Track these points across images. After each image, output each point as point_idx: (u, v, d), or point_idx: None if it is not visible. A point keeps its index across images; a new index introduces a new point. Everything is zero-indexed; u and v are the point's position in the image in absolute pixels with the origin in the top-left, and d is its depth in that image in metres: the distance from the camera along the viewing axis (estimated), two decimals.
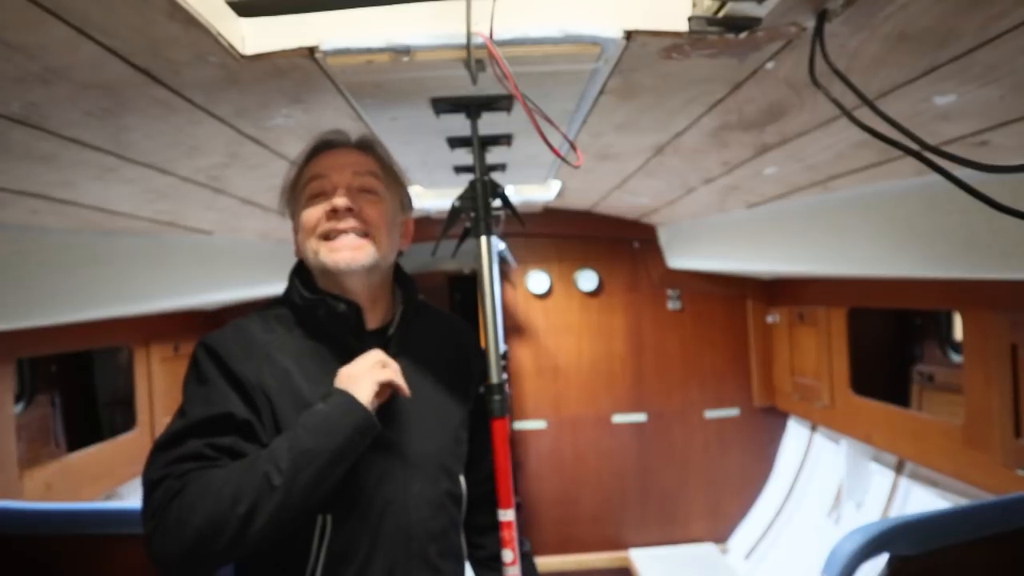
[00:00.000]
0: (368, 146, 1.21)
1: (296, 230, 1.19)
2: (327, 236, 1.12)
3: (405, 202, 1.25)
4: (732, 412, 3.95)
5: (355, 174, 1.15)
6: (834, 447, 3.39)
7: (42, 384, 2.74)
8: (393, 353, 1.15)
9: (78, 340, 2.49)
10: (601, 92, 1.30)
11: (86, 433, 2.87)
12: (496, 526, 1.29)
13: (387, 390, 1.08)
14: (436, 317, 1.33)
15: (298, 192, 1.18)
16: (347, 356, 1.10)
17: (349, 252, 1.11)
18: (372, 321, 1.18)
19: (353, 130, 1.27)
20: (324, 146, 1.19)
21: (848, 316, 3.04)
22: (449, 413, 1.24)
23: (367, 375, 1.05)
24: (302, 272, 1.19)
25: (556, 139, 1.42)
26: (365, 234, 1.13)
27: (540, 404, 3.93)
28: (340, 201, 1.11)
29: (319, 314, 1.13)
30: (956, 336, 2.91)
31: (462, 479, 1.24)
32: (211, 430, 1.03)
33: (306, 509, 1.00)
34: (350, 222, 1.12)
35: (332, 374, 1.08)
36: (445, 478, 1.20)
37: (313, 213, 1.13)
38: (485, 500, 1.30)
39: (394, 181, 1.22)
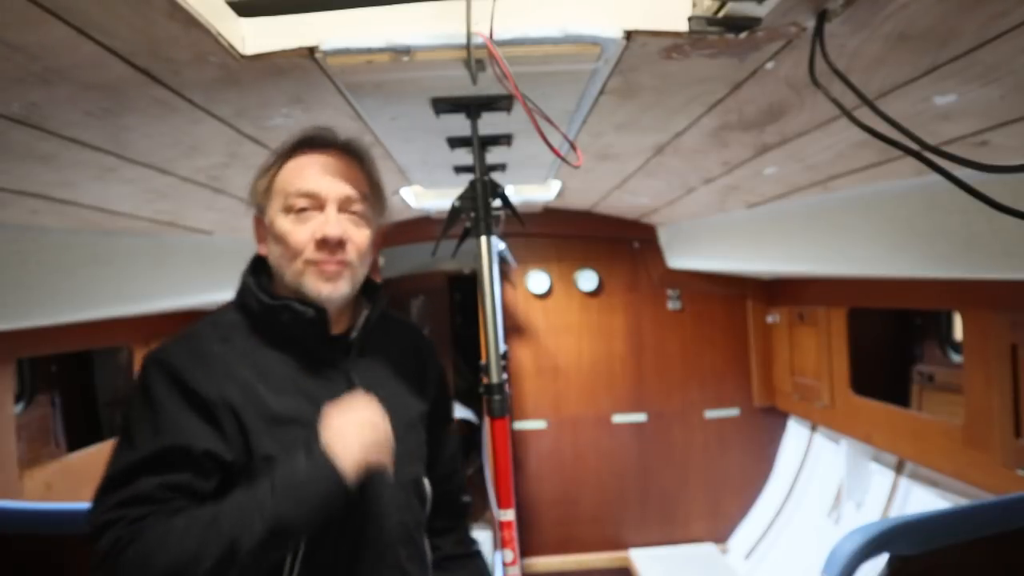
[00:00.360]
0: (358, 154, 1.14)
1: (266, 230, 1.10)
2: (313, 262, 1.06)
3: (382, 211, 1.18)
4: (732, 412, 3.95)
5: (348, 196, 1.08)
6: (834, 447, 3.39)
7: (42, 384, 2.74)
8: (355, 357, 1.13)
9: (78, 340, 2.49)
10: (601, 92, 1.30)
11: (86, 433, 2.87)
12: (452, 528, 1.29)
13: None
14: (394, 324, 1.28)
15: (277, 194, 1.09)
16: (311, 363, 1.07)
17: (332, 285, 1.06)
18: (335, 326, 1.12)
19: (353, 130, 1.26)
20: (310, 144, 1.11)
21: (848, 316, 3.04)
22: (411, 417, 1.20)
23: (356, 443, 0.97)
24: (258, 273, 1.12)
25: (556, 139, 1.42)
26: (348, 263, 1.08)
27: (540, 404, 3.93)
28: (334, 233, 1.05)
29: (282, 319, 1.06)
30: (956, 336, 2.91)
31: (426, 481, 1.21)
32: (164, 466, 0.94)
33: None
34: (339, 255, 1.06)
35: (298, 382, 1.05)
36: (412, 481, 1.17)
37: (301, 235, 1.05)
38: (442, 502, 1.27)
39: (379, 195, 1.16)
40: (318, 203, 1.07)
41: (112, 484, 0.94)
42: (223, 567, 0.89)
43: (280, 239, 1.07)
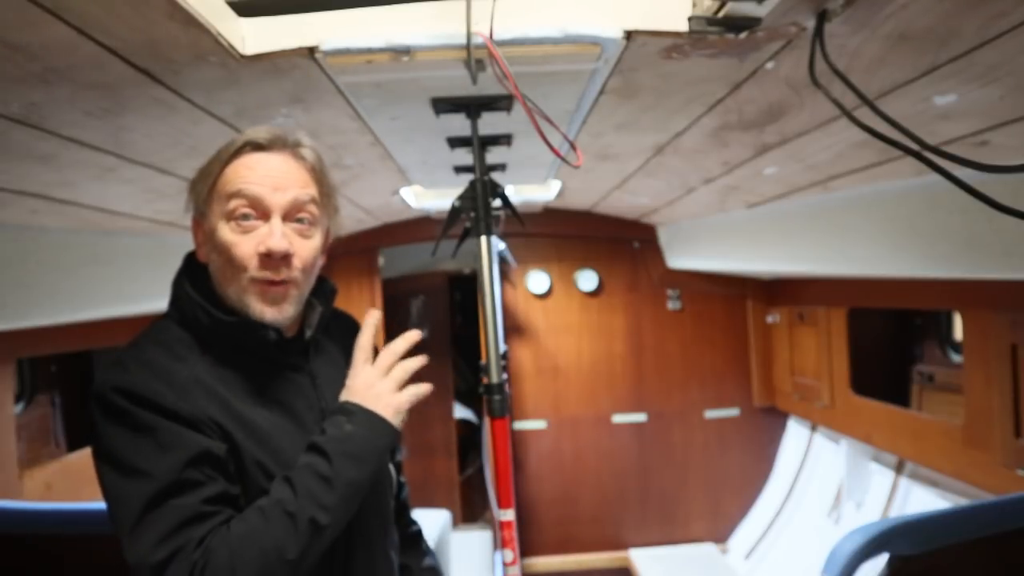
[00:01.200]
0: (310, 159, 1.03)
1: (205, 236, 1.02)
2: (257, 280, 0.97)
3: (333, 214, 1.09)
4: (732, 412, 3.95)
5: (295, 199, 0.99)
6: (834, 447, 3.39)
7: (42, 384, 2.74)
8: (312, 355, 1.09)
9: (78, 340, 2.49)
10: (601, 92, 1.30)
11: (86, 433, 2.87)
12: (405, 539, 1.27)
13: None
14: (340, 318, 1.23)
15: (218, 198, 0.99)
16: (273, 370, 1.02)
17: (277, 309, 0.99)
18: (289, 330, 1.06)
19: (353, 130, 1.26)
20: (256, 145, 1.00)
21: (848, 316, 3.04)
22: None
23: (389, 394, 1.00)
24: (195, 280, 1.02)
25: (556, 139, 1.42)
26: (293, 281, 1.00)
27: (540, 404, 3.93)
28: (279, 247, 0.95)
29: (236, 335, 0.99)
30: (956, 336, 2.91)
31: (392, 468, 1.19)
32: (192, 482, 0.87)
33: None
34: (283, 272, 0.98)
35: (267, 392, 1.00)
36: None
37: (244, 248, 0.96)
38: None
39: (329, 199, 1.06)
40: (262, 211, 0.97)
41: (144, 520, 0.85)
42: (309, 548, 0.88)
43: (222, 250, 0.97)
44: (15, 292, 1.70)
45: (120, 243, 2.06)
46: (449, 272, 4.72)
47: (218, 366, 0.98)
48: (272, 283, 0.98)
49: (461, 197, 1.34)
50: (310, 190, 1.01)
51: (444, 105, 1.32)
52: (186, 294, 1.01)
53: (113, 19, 0.81)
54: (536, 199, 2.98)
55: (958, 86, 1.10)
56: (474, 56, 1.05)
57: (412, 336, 1.06)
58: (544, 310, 3.95)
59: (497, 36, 1.01)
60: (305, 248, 1.00)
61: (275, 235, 0.96)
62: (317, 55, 1.04)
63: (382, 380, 1.01)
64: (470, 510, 4.46)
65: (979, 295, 2.15)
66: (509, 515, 1.29)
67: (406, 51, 1.06)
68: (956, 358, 2.88)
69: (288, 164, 1.00)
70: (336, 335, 1.18)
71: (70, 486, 2.36)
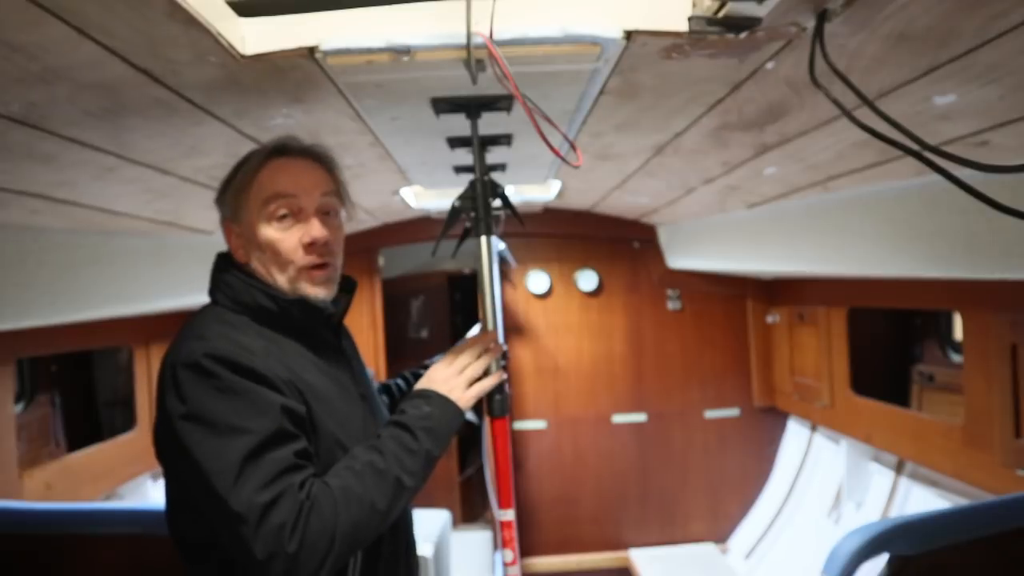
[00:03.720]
0: (327, 160, 1.21)
1: (242, 238, 1.16)
2: (305, 267, 1.14)
3: (347, 202, 1.25)
4: (732, 412, 3.95)
5: (323, 195, 1.16)
6: (834, 447, 3.39)
7: (42, 384, 2.74)
8: (343, 339, 1.26)
9: (78, 340, 2.49)
10: (601, 92, 1.30)
11: (86, 433, 2.87)
12: None
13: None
14: None
15: (251, 200, 1.14)
16: (319, 347, 1.17)
17: (325, 289, 1.16)
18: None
19: (353, 130, 1.27)
20: (283, 151, 1.17)
21: (848, 316, 3.04)
22: (380, 404, 1.34)
23: (460, 389, 1.18)
24: (237, 273, 1.16)
25: (556, 139, 1.42)
26: (333, 265, 1.17)
27: (540, 404, 3.93)
28: (321, 234, 1.13)
29: (294, 313, 1.13)
30: (956, 336, 2.91)
31: None
32: (286, 437, 0.99)
33: None
34: (326, 256, 1.15)
35: (317, 365, 1.14)
36: None
37: (289, 242, 1.13)
38: None
39: (346, 196, 1.24)
40: (298, 208, 1.14)
41: (244, 471, 0.94)
42: (395, 503, 1.03)
43: (268, 247, 1.13)
44: (15, 292, 1.70)
45: (120, 243, 2.06)
46: (449, 272, 4.73)
47: (276, 342, 1.11)
48: (318, 267, 1.14)
49: (461, 197, 1.34)
50: (331, 186, 1.19)
51: (444, 105, 1.32)
52: (242, 281, 1.14)
53: (113, 19, 0.81)
54: (536, 199, 2.98)
55: (958, 86, 1.10)
56: (474, 56, 1.05)
57: (472, 333, 1.27)
58: (544, 310, 3.95)
59: (497, 36, 1.01)
60: (335, 232, 1.18)
61: (316, 226, 1.13)
62: (317, 55, 1.04)
63: (456, 376, 1.19)
64: (470, 510, 4.45)
65: (979, 295, 2.15)
66: (509, 515, 1.29)
67: (406, 51, 1.06)
68: (956, 358, 2.88)
69: (310, 166, 1.17)
70: (344, 331, 1.34)
71: (70, 486, 2.37)
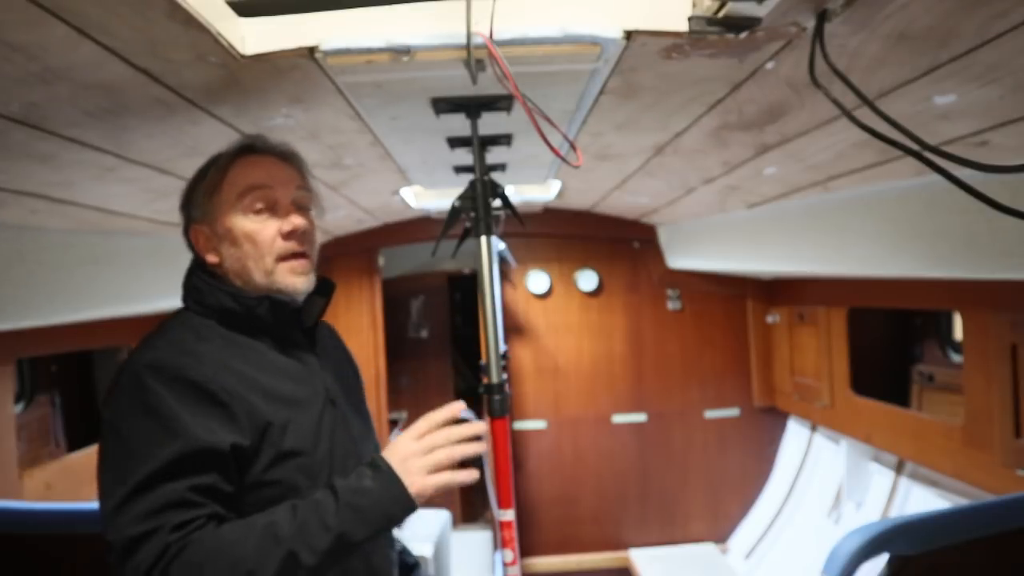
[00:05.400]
0: (296, 158, 1.18)
1: (213, 239, 1.12)
2: (283, 258, 1.10)
3: (316, 197, 1.23)
4: (732, 412, 3.95)
5: (297, 188, 1.14)
6: (834, 447, 3.39)
7: (42, 384, 2.74)
8: (322, 341, 1.21)
9: (78, 340, 2.49)
10: (601, 92, 1.30)
11: (86, 433, 2.87)
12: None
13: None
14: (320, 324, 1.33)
15: (223, 197, 1.11)
16: (286, 349, 1.12)
17: (304, 279, 1.12)
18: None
19: (353, 130, 1.27)
20: (250, 149, 1.14)
21: (848, 316, 3.04)
22: (359, 396, 1.28)
23: (419, 473, 0.98)
24: (204, 276, 1.13)
25: (556, 139, 1.42)
26: (309, 256, 1.14)
27: (540, 404, 3.93)
28: (300, 222, 1.11)
29: (260, 312, 1.09)
30: (956, 336, 2.91)
31: None
32: (189, 469, 0.91)
33: None
34: (304, 244, 1.12)
35: (280, 367, 1.09)
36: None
37: (265, 231, 1.09)
38: None
39: (316, 195, 1.21)
40: (273, 200, 1.11)
41: (132, 495, 0.89)
42: None
43: (246, 239, 1.10)
44: (15, 292, 1.70)
45: (120, 243, 2.06)
46: (449, 272, 4.73)
47: (240, 343, 1.08)
48: (297, 255, 1.11)
49: (461, 197, 1.34)
50: (302, 181, 1.17)
51: (444, 105, 1.32)
52: (207, 284, 1.12)
53: (113, 19, 0.81)
54: (536, 199, 2.98)
55: (958, 86, 1.10)
56: (474, 56, 1.05)
57: (456, 408, 1.06)
58: (544, 310, 3.95)
59: (497, 36, 1.01)
60: (310, 224, 1.16)
61: (292, 214, 1.11)
62: (317, 55, 1.04)
63: (421, 458, 0.99)
64: (470, 510, 4.46)
65: (979, 295, 2.15)
66: (509, 515, 1.29)
67: (406, 51, 1.06)
68: (956, 358, 2.88)
69: (279, 162, 1.15)
70: (324, 330, 1.29)
71: (70, 486, 2.37)
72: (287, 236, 1.10)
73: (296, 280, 1.11)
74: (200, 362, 1.00)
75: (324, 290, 1.21)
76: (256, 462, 1.00)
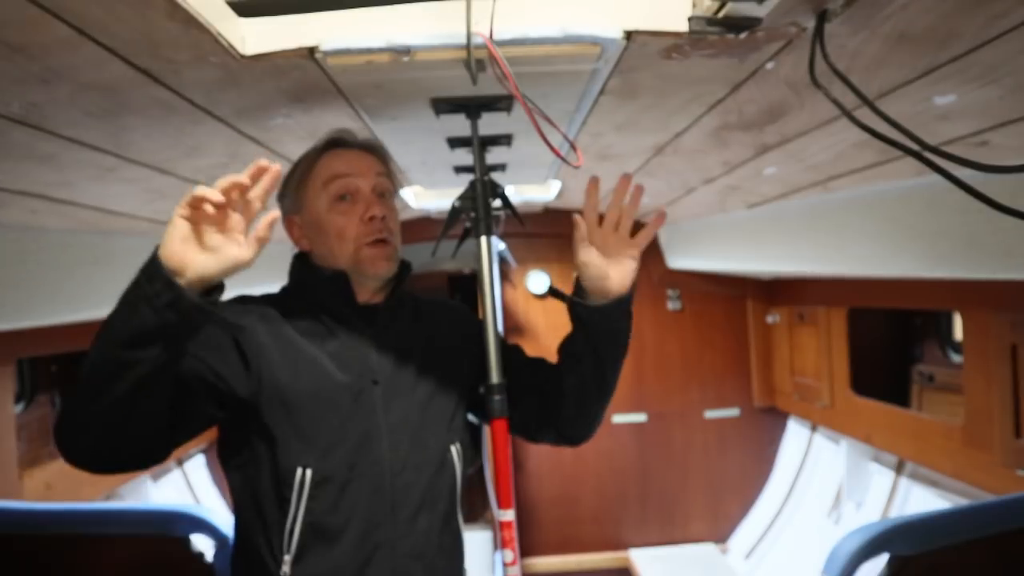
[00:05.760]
0: (379, 149, 1.29)
1: (304, 229, 1.25)
2: (365, 244, 1.20)
3: (398, 187, 1.34)
4: (732, 412, 3.95)
5: (377, 175, 1.23)
6: (834, 447, 3.39)
7: (42, 384, 2.73)
8: (382, 326, 1.24)
9: (78, 340, 2.49)
10: (601, 92, 1.30)
11: None
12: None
13: (200, 221, 0.96)
14: (432, 303, 1.41)
15: (311, 187, 1.23)
16: (345, 327, 1.21)
17: (387, 263, 1.22)
18: (373, 297, 1.27)
19: (353, 130, 1.28)
20: (337, 144, 1.25)
21: (848, 316, 3.04)
22: (438, 386, 1.28)
23: (169, 227, 0.95)
24: (297, 263, 1.28)
25: (556, 139, 1.42)
26: (391, 242, 1.22)
27: None
28: (379, 210, 1.20)
29: (321, 288, 1.22)
30: (956, 336, 2.91)
31: (454, 450, 1.27)
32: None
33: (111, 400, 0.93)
34: (384, 232, 1.21)
35: (323, 332, 1.20)
36: (435, 447, 1.24)
37: (348, 218, 1.20)
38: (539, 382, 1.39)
39: (398, 184, 1.32)
40: (355, 188, 1.21)
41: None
42: (88, 389, 0.94)
43: (332, 227, 1.20)
44: (15, 292, 1.70)
45: (120, 243, 2.06)
46: (449, 272, 4.72)
47: (297, 312, 1.21)
48: (379, 242, 1.20)
49: (461, 197, 1.34)
50: (382, 168, 1.26)
51: (444, 105, 1.32)
52: (295, 263, 1.27)
53: (113, 19, 0.81)
54: (536, 199, 2.98)
55: (958, 86, 1.10)
56: (474, 56, 1.05)
57: (224, 181, 0.95)
58: (544, 310, 3.95)
59: (497, 36, 1.01)
60: (391, 211, 1.24)
61: (373, 203, 1.21)
62: (317, 55, 1.04)
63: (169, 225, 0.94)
64: (470, 510, 4.46)
65: (979, 295, 2.15)
66: (509, 515, 1.29)
67: (406, 51, 1.06)
68: (956, 358, 2.88)
69: (361, 153, 1.25)
70: (428, 314, 1.36)
71: (70, 486, 2.37)
72: (368, 223, 1.19)
73: (379, 265, 1.21)
74: (242, 311, 1.17)
75: (401, 275, 1.29)
76: (252, 409, 1.12)
